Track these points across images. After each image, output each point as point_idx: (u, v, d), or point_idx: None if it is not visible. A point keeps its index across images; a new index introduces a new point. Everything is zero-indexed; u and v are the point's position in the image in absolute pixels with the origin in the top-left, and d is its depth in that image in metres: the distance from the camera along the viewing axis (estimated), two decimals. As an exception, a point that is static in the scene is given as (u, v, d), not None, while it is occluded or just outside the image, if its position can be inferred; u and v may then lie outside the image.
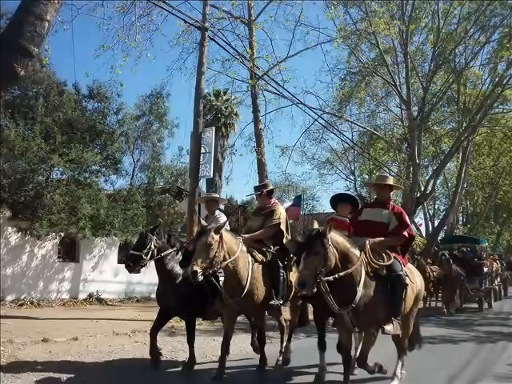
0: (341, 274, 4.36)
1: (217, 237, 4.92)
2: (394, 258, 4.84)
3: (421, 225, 26.11)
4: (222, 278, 5.38)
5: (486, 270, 16.70)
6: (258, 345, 5.85)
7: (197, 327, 6.39)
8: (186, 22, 11.58)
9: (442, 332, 10.15)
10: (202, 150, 11.49)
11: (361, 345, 5.62)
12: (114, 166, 15.09)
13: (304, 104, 16.05)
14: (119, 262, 15.04)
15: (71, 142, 13.58)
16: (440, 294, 15.59)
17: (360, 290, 4.45)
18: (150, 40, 13.15)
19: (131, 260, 5.89)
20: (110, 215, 13.90)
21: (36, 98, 13.93)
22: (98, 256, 14.91)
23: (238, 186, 78.75)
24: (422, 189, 19.96)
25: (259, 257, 5.52)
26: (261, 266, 5.47)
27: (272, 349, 6.54)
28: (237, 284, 5.18)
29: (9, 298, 12.36)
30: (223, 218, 6.12)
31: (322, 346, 5.72)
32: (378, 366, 5.45)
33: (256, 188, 6.26)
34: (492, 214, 33.20)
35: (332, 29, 25.86)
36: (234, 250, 5.16)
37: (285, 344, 6.28)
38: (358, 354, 5.54)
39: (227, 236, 5.14)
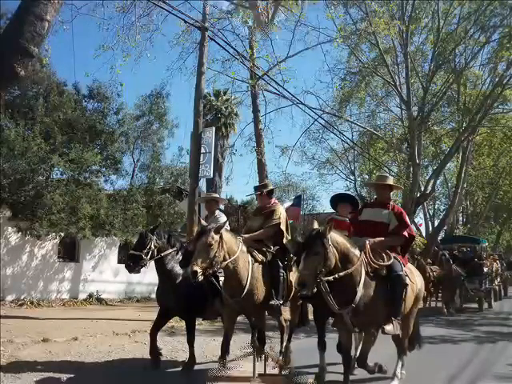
0: (341, 274, 4.36)
1: (217, 237, 4.91)
2: (394, 257, 4.84)
3: (421, 225, 26.08)
4: (221, 278, 5.38)
5: (485, 270, 16.69)
6: (258, 345, 5.85)
7: (197, 327, 6.39)
8: (186, 22, 11.57)
9: (442, 332, 10.15)
10: (202, 150, 11.50)
11: (361, 345, 5.63)
12: (113, 165, 15.09)
13: (304, 104, 16.07)
14: (119, 261, 15.04)
15: (71, 142, 13.58)
16: (440, 294, 15.58)
17: (360, 290, 4.45)
18: (150, 40, 13.07)
19: (131, 260, 5.89)
20: (110, 215, 13.90)
21: (36, 98, 13.92)
22: (97, 256, 14.92)
23: (239, 185, 78.75)
24: (422, 189, 19.95)
25: (259, 257, 5.51)
26: (261, 266, 5.46)
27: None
28: (237, 284, 5.17)
29: (9, 298, 12.36)
30: (223, 218, 6.12)
31: (321, 346, 5.73)
32: (377, 366, 5.45)
33: (256, 188, 6.25)
34: (492, 214, 33.06)
35: (332, 29, 25.73)
36: (233, 249, 5.16)
37: (285, 344, 6.27)
38: (357, 353, 5.55)
39: (227, 236, 5.14)
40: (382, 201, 5.37)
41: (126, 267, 5.96)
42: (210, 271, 4.87)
